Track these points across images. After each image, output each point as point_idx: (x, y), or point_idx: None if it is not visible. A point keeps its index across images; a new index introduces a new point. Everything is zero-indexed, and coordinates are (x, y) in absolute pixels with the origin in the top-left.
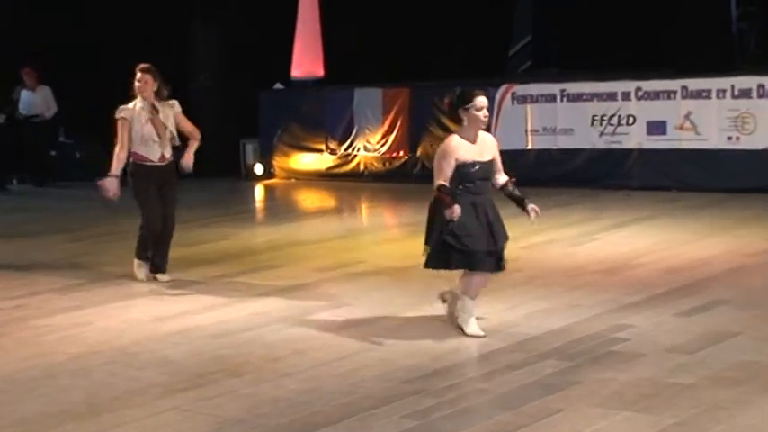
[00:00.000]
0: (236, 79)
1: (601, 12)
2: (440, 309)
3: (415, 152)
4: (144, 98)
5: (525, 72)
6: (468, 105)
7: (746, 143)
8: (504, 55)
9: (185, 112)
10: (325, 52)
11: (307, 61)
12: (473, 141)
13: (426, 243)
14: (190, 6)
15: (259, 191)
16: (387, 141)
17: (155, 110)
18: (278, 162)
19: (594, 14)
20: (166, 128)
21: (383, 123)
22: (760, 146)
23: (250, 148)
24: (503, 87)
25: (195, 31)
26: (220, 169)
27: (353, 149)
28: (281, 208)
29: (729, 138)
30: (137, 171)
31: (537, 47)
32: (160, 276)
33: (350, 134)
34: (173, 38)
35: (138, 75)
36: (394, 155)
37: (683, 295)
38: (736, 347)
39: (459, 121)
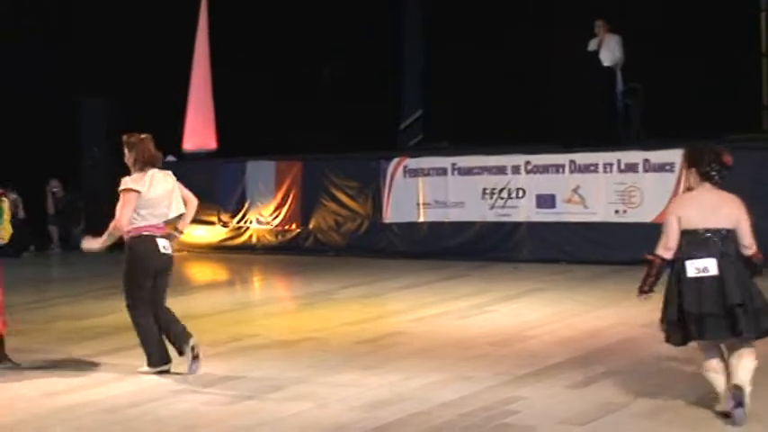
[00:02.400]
0: None
1: (490, 87)
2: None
3: (308, 225)
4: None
5: (416, 145)
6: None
7: (633, 216)
8: (395, 129)
9: (76, 188)
10: (217, 125)
11: (199, 134)
12: None
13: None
14: (80, 80)
15: None
16: (279, 214)
17: None
18: None
19: (484, 89)
20: None
21: (275, 196)
22: (647, 219)
23: None
24: (394, 160)
25: (86, 104)
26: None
27: (246, 222)
28: (172, 280)
29: (617, 211)
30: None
31: (428, 121)
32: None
33: (242, 207)
34: (64, 113)
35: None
36: (286, 227)
37: (574, 367)
38: (627, 419)
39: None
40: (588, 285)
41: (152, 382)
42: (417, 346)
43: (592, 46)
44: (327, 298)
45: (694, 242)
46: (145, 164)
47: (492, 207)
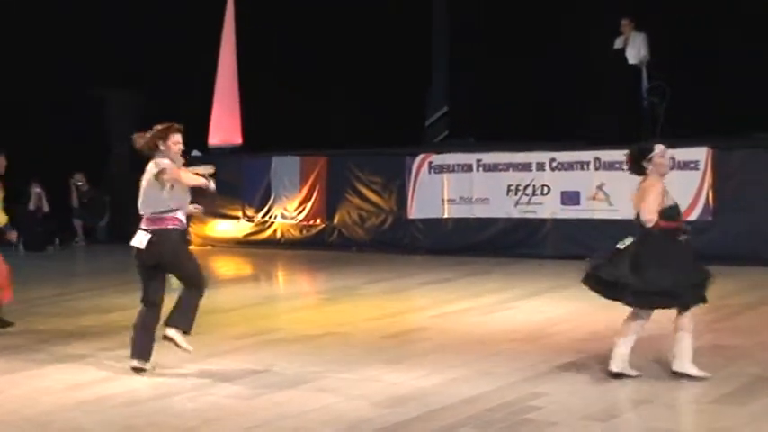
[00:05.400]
0: None
1: (516, 83)
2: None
3: (332, 220)
4: (175, 160)
5: (442, 142)
6: (651, 155)
7: None
8: (421, 125)
9: (101, 182)
10: (243, 120)
11: (224, 129)
12: None
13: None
14: (106, 75)
15: None
16: (304, 209)
17: None
18: (194, 229)
19: (510, 86)
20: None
21: (300, 191)
22: None
23: None
24: (420, 157)
25: (112, 99)
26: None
27: (270, 217)
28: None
29: None
30: (178, 238)
31: (453, 117)
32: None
33: (267, 202)
34: (90, 106)
35: (179, 136)
36: (311, 222)
37: (596, 363)
38: (648, 415)
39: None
40: None
41: (176, 376)
42: (440, 342)
43: (618, 44)
44: (351, 293)
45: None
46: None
47: (517, 204)
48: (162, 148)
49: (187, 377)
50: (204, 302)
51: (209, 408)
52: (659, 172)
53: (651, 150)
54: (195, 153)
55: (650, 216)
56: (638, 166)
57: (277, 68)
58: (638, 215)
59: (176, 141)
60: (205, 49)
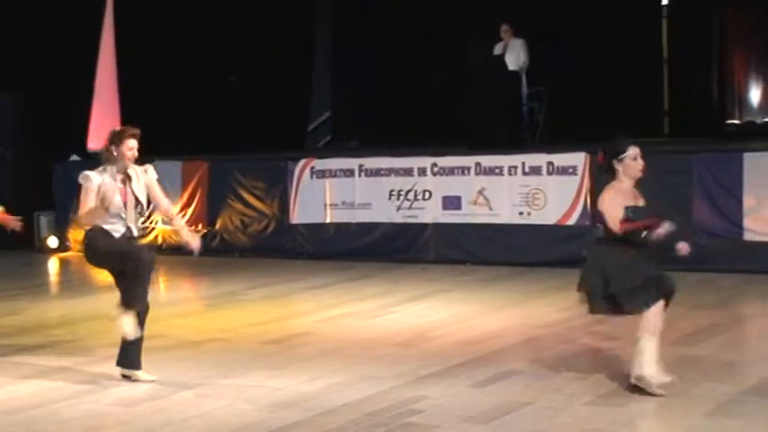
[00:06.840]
0: (30, 150)
1: (398, 89)
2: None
3: (214, 225)
4: (125, 165)
5: (324, 147)
6: (622, 156)
7: (537, 218)
8: (303, 130)
9: None
10: (123, 124)
11: (104, 133)
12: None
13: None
14: None
15: (53, 264)
16: (185, 214)
17: (128, 177)
18: (74, 235)
19: (392, 91)
20: (137, 199)
21: (181, 196)
22: (550, 221)
23: (44, 221)
24: (302, 161)
25: None
26: (12, 241)
27: (151, 222)
28: (76, 281)
29: (521, 213)
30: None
31: (336, 122)
32: (141, 375)
33: (148, 207)
34: None
35: (134, 142)
36: (192, 228)
37: (477, 366)
38: (528, 417)
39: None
40: (492, 286)
41: (56, 384)
42: (323, 347)
43: (497, 50)
44: (233, 299)
45: None
46: None
47: (399, 208)
48: (115, 153)
49: (68, 384)
50: (84, 309)
51: (90, 415)
52: (629, 174)
53: (623, 151)
54: (74, 157)
55: (613, 226)
56: (608, 166)
57: (159, 72)
58: (598, 217)
59: (130, 147)
60: (85, 51)
